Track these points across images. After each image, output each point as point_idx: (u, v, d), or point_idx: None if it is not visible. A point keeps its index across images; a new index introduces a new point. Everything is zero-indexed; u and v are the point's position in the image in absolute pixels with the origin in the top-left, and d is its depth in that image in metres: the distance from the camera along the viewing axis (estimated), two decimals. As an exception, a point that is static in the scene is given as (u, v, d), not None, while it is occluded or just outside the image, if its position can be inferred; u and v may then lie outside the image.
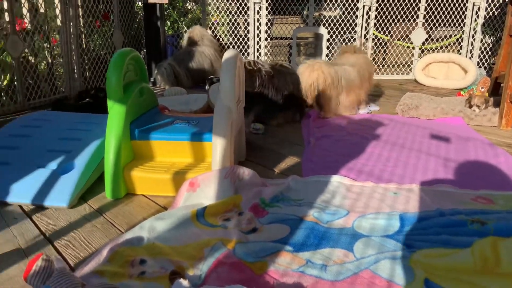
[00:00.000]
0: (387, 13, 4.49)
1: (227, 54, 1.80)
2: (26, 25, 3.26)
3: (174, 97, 3.44)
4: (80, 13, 3.62)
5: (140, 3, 4.38)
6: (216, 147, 1.70)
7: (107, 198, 1.74)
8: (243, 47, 4.67)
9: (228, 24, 4.72)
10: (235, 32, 4.69)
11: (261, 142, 2.49)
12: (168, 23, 4.89)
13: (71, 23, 3.50)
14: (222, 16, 4.72)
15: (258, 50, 4.53)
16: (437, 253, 1.35)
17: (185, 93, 3.65)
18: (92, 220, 1.58)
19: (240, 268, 1.26)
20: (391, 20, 4.53)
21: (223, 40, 4.74)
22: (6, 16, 3.04)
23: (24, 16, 3.23)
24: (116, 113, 1.72)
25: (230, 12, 4.66)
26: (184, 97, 3.43)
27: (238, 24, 4.74)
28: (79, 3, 3.58)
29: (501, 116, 2.75)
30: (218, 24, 4.75)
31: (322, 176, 1.90)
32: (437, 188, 1.81)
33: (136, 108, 1.87)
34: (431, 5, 4.45)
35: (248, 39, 4.59)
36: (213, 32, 4.68)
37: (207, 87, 3.75)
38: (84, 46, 3.69)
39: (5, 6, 3.01)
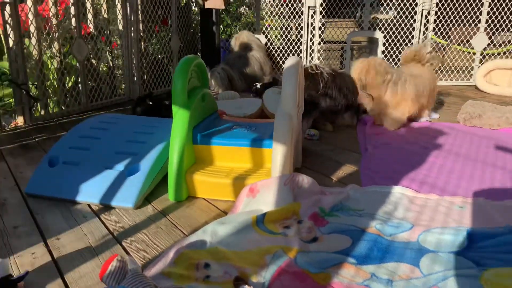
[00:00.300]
0: (446, 17, 4.33)
1: (289, 61, 1.80)
2: (90, 29, 3.43)
3: (227, 101, 3.48)
4: (141, 18, 3.75)
5: (196, 9, 4.48)
6: (277, 154, 1.71)
7: (169, 200, 1.79)
8: (296, 51, 4.66)
9: (281, 28, 4.73)
10: (288, 36, 4.69)
11: (316, 149, 2.48)
12: (222, 27, 4.97)
13: (132, 28, 3.64)
14: (276, 21, 4.74)
15: (310, 54, 4.51)
16: (509, 272, 1.29)
17: (238, 97, 3.69)
18: (157, 221, 1.63)
19: (303, 278, 1.25)
20: (450, 24, 4.37)
21: (275, 44, 4.76)
22: (73, 21, 3.21)
23: (90, 21, 3.39)
24: (180, 118, 1.77)
25: (284, 17, 4.67)
26: (237, 101, 3.47)
27: (291, 28, 4.74)
28: (140, 8, 3.71)
29: None
30: (271, 28, 4.77)
31: (383, 187, 1.86)
32: (506, 203, 1.72)
33: (198, 113, 1.91)
34: (494, 9, 4.25)
35: (301, 43, 4.57)
36: (266, 36, 4.70)
37: (252, 95, 3.77)
38: (143, 50, 3.82)
39: (72, 11, 3.18)
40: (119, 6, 3.57)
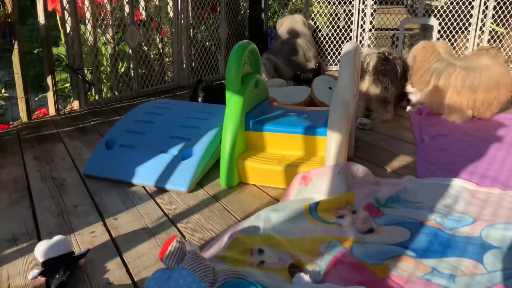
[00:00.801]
0: (507, 3, 4.08)
1: (347, 47, 1.75)
2: (143, 16, 3.49)
3: (275, 89, 3.45)
4: (190, 5, 3.78)
5: (245, -5, 4.46)
6: (331, 142, 1.67)
7: (221, 186, 1.80)
8: (345, 38, 4.55)
9: (330, 14, 4.63)
10: (337, 23, 4.59)
11: (368, 138, 2.41)
12: (269, 14, 4.93)
13: (182, 15, 3.67)
14: (326, 7, 4.64)
15: (360, 41, 4.39)
16: None
17: (285, 85, 3.65)
18: (210, 205, 1.65)
19: (361, 270, 1.22)
20: (511, 11, 4.11)
21: (324, 31, 4.66)
22: (126, 8, 3.28)
23: (142, 8, 3.45)
24: (234, 103, 1.77)
25: (334, 3, 4.56)
26: (285, 89, 3.43)
27: (340, 14, 4.62)
28: (190, -4, 3.74)
29: None
30: (320, 15, 4.68)
31: (441, 179, 1.78)
32: None
33: (251, 100, 1.90)
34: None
35: (351, 30, 4.46)
36: (314, 23, 4.61)
37: (292, 83, 3.72)
38: (192, 38, 3.85)
39: (125, -1, 3.24)
40: (170, -7, 3.61)
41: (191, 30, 3.83)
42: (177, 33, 3.71)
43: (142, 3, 3.45)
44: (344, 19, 4.63)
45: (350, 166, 1.71)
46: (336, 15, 4.58)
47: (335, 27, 4.60)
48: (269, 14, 4.92)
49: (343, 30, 4.55)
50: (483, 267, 1.23)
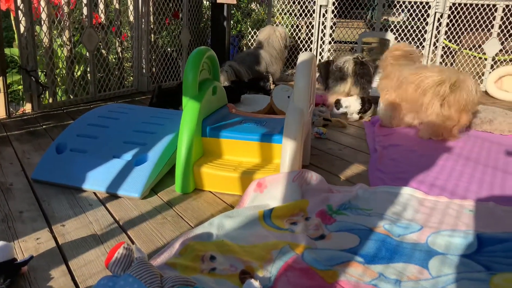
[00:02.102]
0: (459, 21, 4.29)
1: (303, 56, 1.78)
2: (102, 19, 3.42)
3: (236, 97, 3.47)
4: (151, 10, 3.74)
5: (207, 3, 4.47)
6: (286, 149, 1.69)
7: (176, 192, 1.78)
8: (306, 49, 4.63)
9: (291, 26, 4.71)
10: (298, 34, 4.67)
11: (324, 147, 2.46)
12: (232, 23, 4.95)
13: (143, 19, 3.63)
14: (287, 18, 4.71)
15: (320, 53, 4.48)
16: (520, 278, 1.27)
17: (247, 93, 3.67)
18: (163, 212, 1.62)
19: (311, 275, 1.24)
20: (463, 29, 4.33)
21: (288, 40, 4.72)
22: (84, 10, 3.20)
23: (101, 11, 3.38)
24: (190, 109, 1.76)
25: (295, 15, 4.64)
26: (246, 97, 3.45)
27: (301, 26, 4.71)
28: (151, 0, 3.70)
29: None
30: (282, 25, 4.75)
31: (392, 187, 1.84)
32: (518, 209, 1.70)
33: (208, 106, 1.90)
34: (508, 14, 4.21)
35: (311, 42, 4.55)
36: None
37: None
38: (153, 43, 3.81)
39: (84, 0, 3.17)
40: (131, -3, 3.56)
41: (152, 35, 3.79)
42: (137, 37, 3.65)
43: (101, 6, 3.39)
44: (305, 31, 4.72)
45: (304, 173, 1.73)
46: (297, 26, 4.66)
47: (296, 38, 4.68)
48: (232, 23, 4.95)
49: (303, 42, 4.64)
50: (428, 273, 1.27)
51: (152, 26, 3.77)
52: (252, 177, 1.73)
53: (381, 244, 1.41)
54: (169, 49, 4.04)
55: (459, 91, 2.48)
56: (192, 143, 1.74)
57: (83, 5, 3.19)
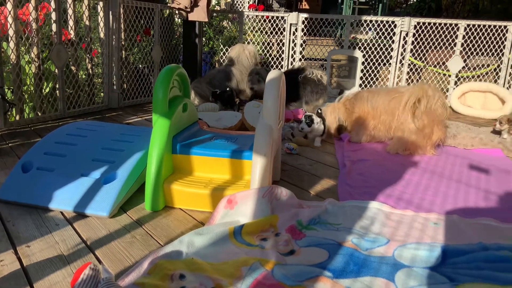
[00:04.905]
0: (423, 39, 4.46)
1: (271, 74, 1.81)
2: (71, 36, 3.39)
3: (207, 113, 3.48)
4: (123, 27, 3.73)
5: (179, 20, 4.49)
6: (256, 166, 1.71)
7: (145, 210, 1.76)
8: (277, 66, 4.71)
9: (263, 43, 4.78)
10: (269, 51, 4.75)
11: (295, 162, 2.49)
12: (204, 40, 4.99)
13: (114, 36, 3.62)
14: (258, 36, 4.79)
15: (291, 70, 4.56)
16: (481, 288, 1.31)
17: (218, 109, 3.69)
18: (132, 231, 1.60)
19: (280, 291, 1.24)
20: (428, 47, 4.50)
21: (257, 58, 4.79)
22: (53, 27, 3.17)
23: (71, 28, 3.35)
24: (160, 126, 1.76)
25: (266, 32, 4.72)
26: (218, 114, 3.47)
27: (272, 44, 4.79)
28: (122, 17, 3.69)
29: (543, 150, 2.67)
30: (253, 43, 4.82)
31: (360, 202, 1.88)
32: (479, 221, 1.76)
33: (179, 123, 1.90)
34: (469, 33, 4.40)
35: (282, 59, 4.63)
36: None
37: (211, 98, 3.79)
38: (124, 59, 3.80)
39: (54, 17, 3.14)
40: (101, 14, 3.55)
41: (123, 52, 3.78)
42: (108, 54, 3.63)
43: (71, 23, 3.36)
44: (276, 48, 4.80)
45: (274, 189, 1.75)
46: (268, 44, 4.74)
47: (267, 55, 4.76)
48: (204, 40, 4.98)
49: (274, 59, 4.71)
50: (394, 286, 1.30)
51: (123, 43, 3.76)
52: (222, 193, 1.74)
53: (349, 258, 1.43)
54: (140, 66, 4.03)
55: (430, 107, 2.57)
56: (162, 160, 1.73)
57: (52, 21, 3.15)
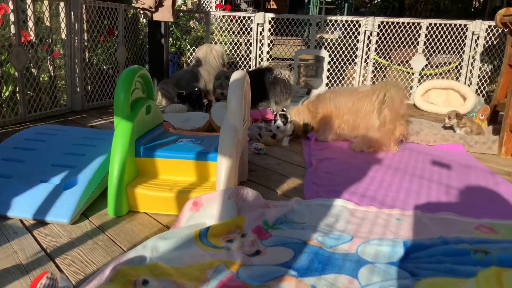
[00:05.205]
0: (387, 38, 4.56)
1: (235, 75, 1.81)
2: (31, 37, 3.28)
3: (175, 114, 3.45)
4: (85, 28, 3.65)
5: (144, 20, 4.42)
6: (221, 168, 1.70)
7: (109, 215, 1.73)
8: (245, 66, 4.71)
9: (231, 43, 4.77)
10: (237, 51, 4.74)
11: (263, 162, 2.49)
12: (171, 40, 4.94)
13: (76, 37, 3.53)
14: (225, 36, 4.77)
15: (259, 70, 4.57)
16: (442, 282, 1.34)
17: (186, 110, 3.66)
18: (94, 237, 1.56)
19: (245, 292, 1.24)
20: (391, 46, 4.59)
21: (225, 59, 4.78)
22: (12, 28, 3.06)
23: (30, 29, 3.25)
24: (122, 129, 1.72)
25: (233, 32, 4.72)
26: (185, 115, 3.44)
27: (240, 44, 4.79)
28: (85, 18, 3.61)
29: (501, 145, 2.77)
30: (220, 43, 4.80)
31: (325, 200, 1.90)
32: (440, 216, 1.81)
33: (142, 126, 1.87)
34: (431, 32, 4.53)
35: (250, 59, 4.63)
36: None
37: (176, 99, 3.78)
38: (88, 60, 3.71)
39: (12, 18, 3.03)
40: (62, 14, 3.45)
41: (86, 53, 3.69)
42: (70, 55, 3.54)
43: (31, 24, 3.25)
44: (244, 48, 4.80)
45: (240, 190, 1.74)
46: (236, 44, 4.73)
47: (235, 55, 4.75)
48: (171, 40, 4.93)
49: (242, 59, 4.71)
50: (358, 282, 1.32)
51: (86, 44, 3.67)
52: (188, 196, 1.72)
53: (314, 257, 1.44)
54: (105, 67, 3.95)
55: (391, 103, 2.63)
56: (125, 163, 1.70)
57: (11, 23, 3.04)
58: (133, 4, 4.04)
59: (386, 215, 1.79)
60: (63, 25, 3.47)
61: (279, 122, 2.81)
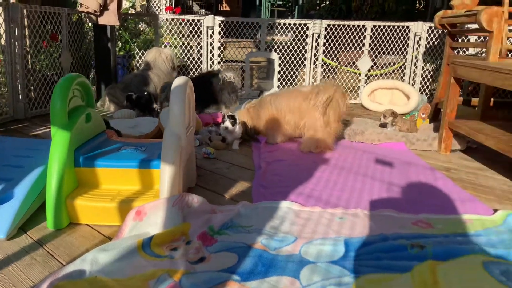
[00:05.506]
0: (335, 40, 4.67)
1: (177, 81, 1.80)
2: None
3: (123, 120, 3.38)
4: (27, 33, 3.50)
5: (90, 24, 4.30)
6: (164, 175, 1.68)
7: (48, 229, 1.67)
8: (196, 69, 4.68)
9: (181, 46, 4.73)
10: (188, 54, 4.70)
11: (212, 167, 2.49)
12: (120, 43, 4.83)
13: (16, 43, 3.38)
14: (175, 39, 4.73)
15: (211, 73, 4.56)
16: (379, 278, 1.39)
17: (135, 116, 3.60)
18: (32, 252, 1.50)
19: (186, 300, 1.24)
20: (339, 48, 4.71)
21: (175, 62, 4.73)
22: None
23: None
24: (59, 139, 1.67)
25: (183, 35, 4.68)
26: (134, 120, 3.38)
27: (191, 46, 4.75)
28: (26, 23, 3.47)
29: (440, 141, 2.91)
30: (170, 46, 4.75)
31: (272, 202, 1.92)
32: (381, 213, 1.87)
33: (81, 134, 1.82)
34: (376, 34, 4.68)
35: (201, 62, 4.61)
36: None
37: (125, 102, 3.75)
38: (30, 67, 3.56)
39: None
40: (0, 20, 3.30)
41: (29, 59, 3.54)
42: (11, 62, 3.39)
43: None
44: (195, 51, 4.77)
45: (184, 197, 1.73)
46: (186, 47, 4.69)
47: (186, 58, 4.71)
48: (120, 43, 4.82)
49: (193, 62, 4.68)
50: (299, 283, 1.35)
51: (27, 49, 3.53)
52: (131, 205, 1.69)
53: (257, 260, 1.46)
54: (48, 73, 3.81)
55: (334, 102, 2.70)
56: (63, 174, 1.65)
57: None
58: (77, 8, 3.91)
59: (330, 214, 1.83)
60: (1, 30, 3.32)
61: (228, 123, 2.82)
